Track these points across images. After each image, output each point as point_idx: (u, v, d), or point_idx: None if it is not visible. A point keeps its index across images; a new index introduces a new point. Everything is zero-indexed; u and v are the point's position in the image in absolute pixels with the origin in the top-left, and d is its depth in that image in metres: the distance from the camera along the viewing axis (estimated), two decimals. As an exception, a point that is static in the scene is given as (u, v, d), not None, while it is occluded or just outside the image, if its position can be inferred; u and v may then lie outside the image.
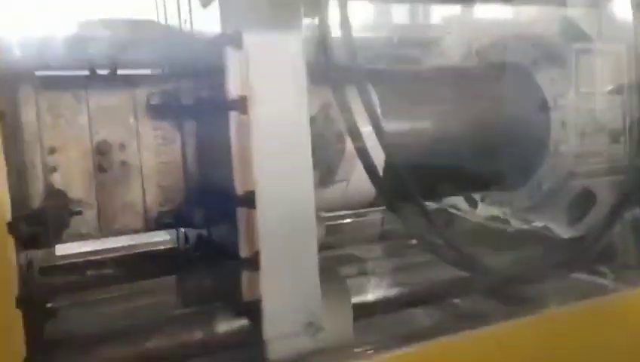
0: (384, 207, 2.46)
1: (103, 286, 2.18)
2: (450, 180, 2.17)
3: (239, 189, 1.52)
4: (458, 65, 2.61)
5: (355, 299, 1.78)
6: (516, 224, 2.49)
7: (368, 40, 2.70)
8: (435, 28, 2.93)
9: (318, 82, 1.62)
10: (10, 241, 1.30)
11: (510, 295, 2.05)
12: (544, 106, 2.26)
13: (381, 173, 1.69)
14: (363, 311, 1.83)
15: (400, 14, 3.17)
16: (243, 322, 1.67)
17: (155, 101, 1.72)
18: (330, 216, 2.54)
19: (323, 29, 1.56)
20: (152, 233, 2.11)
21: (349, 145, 1.73)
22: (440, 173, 2.09)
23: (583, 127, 2.24)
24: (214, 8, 1.62)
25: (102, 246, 2.21)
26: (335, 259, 2.51)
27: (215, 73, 1.54)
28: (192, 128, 1.79)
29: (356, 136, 1.63)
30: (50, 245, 1.71)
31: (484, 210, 2.63)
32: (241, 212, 1.53)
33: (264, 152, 1.51)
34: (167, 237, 2.33)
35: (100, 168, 1.70)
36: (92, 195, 1.70)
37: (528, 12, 2.67)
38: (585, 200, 2.25)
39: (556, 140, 2.24)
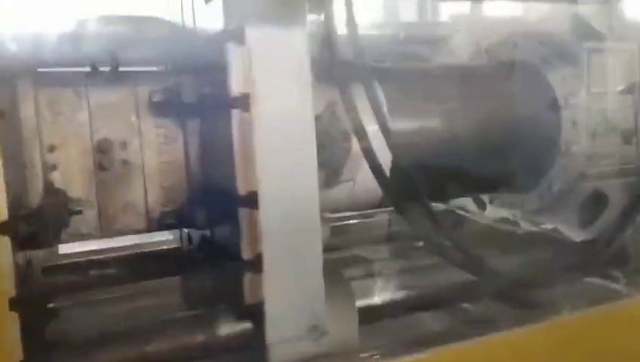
0: (391, 208, 2.42)
1: (105, 286, 2.16)
2: (458, 181, 2.12)
3: (242, 189, 1.50)
4: (467, 63, 2.57)
5: (360, 303, 1.74)
6: (526, 226, 2.45)
7: (375, 37, 2.66)
8: (444, 26, 2.89)
9: (324, 80, 1.59)
10: (5, 241, 1.27)
11: (520, 299, 2.00)
12: (555, 106, 2.21)
13: (387, 173, 1.65)
14: (369, 315, 1.79)
15: (408, 12, 3.15)
16: (245, 325, 1.64)
17: (157, 98, 1.70)
18: (335, 217, 2.51)
19: (328, 25, 1.52)
20: (156, 233, 2.09)
21: (355, 144, 1.69)
22: (448, 174, 2.05)
23: (594, 127, 2.19)
24: (217, 4, 1.59)
25: (106, 245, 2.19)
26: (340, 260, 2.47)
27: (217, 70, 1.52)
28: (195, 126, 1.77)
29: (362, 135, 1.59)
30: (49, 245, 1.68)
31: (493, 212, 2.59)
32: (243, 212, 1.50)
33: (267, 151, 1.48)
34: (171, 237, 2.30)
35: (101, 167, 1.67)
36: (92, 194, 1.68)
37: (538, 9, 2.63)
38: (596, 202, 2.21)
39: (567, 140, 2.20)
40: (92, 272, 2.12)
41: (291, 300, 1.53)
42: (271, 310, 1.50)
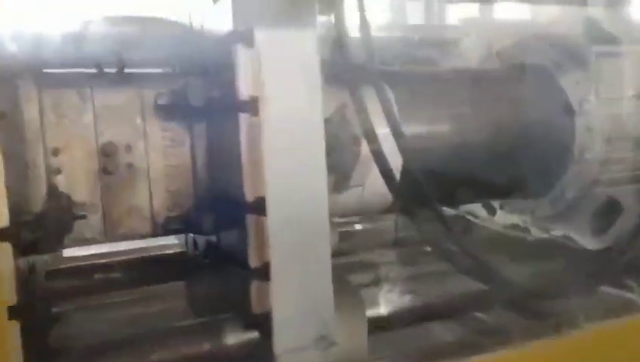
0: (398, 213, 2.38)
1: (110, 290, 2.13)
2: (469, 187, 2.08)
3: (249, 195, 1.46)
4: (479, 67, 2.53)
5: (369, 312, 1.70)
6: (536, 233, 2.40)
7: (383, 40, 2.63)
8: (453, 28, 2.86)
9: (333, 82, 1.56)
10: (6, 248, 1.23)
11: (532, 309, 1.95)
12: (569, 111, 2.16)
13: (398, 177, 1.61)
14: (378, 325, 1.75)
15: (416, 15, 3.12)
16: (252, 334, 1.60)
17: (163, 101, 1.67)
18: (341, 222, 2.47)
19: (339, 26, 1.48)
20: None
21: (365, 148, 1.65)
22: (459, 179, 2.01)
23: (609, 132, 2.14)
24: (225, 4, 1.56)
25: (111, 248, 2.16)
26: (347, 266, 2.43)
27: (225, 72, 1.49)
28: (202, 130, 1.74)
29: (373, 137, 1.55)
30: (52, 250, 1.65)
31: (503, 218, 2.55)
32: (250, 219, 1.47)
33: (276, 156, 1.45)
34: (176, 241, 2.27)
35: (106, 170, 1.64)
36: (97, 198, 1.65)
37: (548, 12, 2.60)
38: (611, 209, 2.16)
39: (581, 146, 2.15)
40: (96, 276, 2.09)
41: (299, 309, 1.49)
42: (278, 319, 1.46)
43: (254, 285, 1.49)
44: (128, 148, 1.66)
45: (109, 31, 1.69)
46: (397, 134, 1.54)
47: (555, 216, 2.29)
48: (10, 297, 1.23)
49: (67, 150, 1.61)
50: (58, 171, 1.60)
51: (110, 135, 1.64)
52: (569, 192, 2.20)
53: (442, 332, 2.00)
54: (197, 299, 1.91)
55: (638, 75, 2.22)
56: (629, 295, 2.07)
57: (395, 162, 1.60)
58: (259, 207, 1.44)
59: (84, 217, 1.63)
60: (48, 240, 1.49)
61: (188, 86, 1.67)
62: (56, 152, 1.60)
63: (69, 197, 1.61)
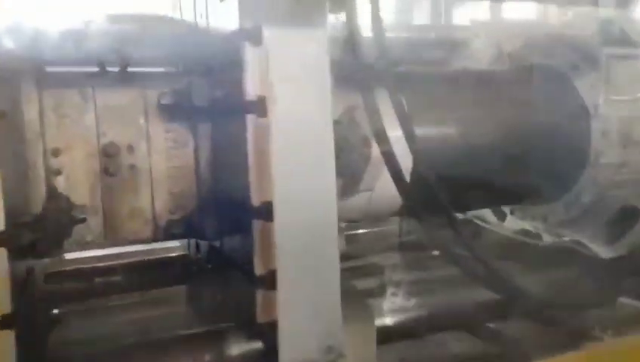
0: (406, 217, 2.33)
1: (111, 293, 2.09)
2: (481, 191, 2.02)
3: (255, 199, 1.42)
4: (491, 68, 2.47)
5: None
6: (548, 239, 2.34)
7: (392, 40, 2.57)
8: (463, 29, 2.81)
9: (343, 83, 1.50)
10: (1, 253, 1.18)
11: (546, 318, 1.90)
12: (584, 114, 2.11)
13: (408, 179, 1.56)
14: (385, 335, 1.69)
15: (426, 15, 3.09)
16: (257, 345, 1.55)
17: (166, 101, 1.64)
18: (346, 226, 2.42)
19: (351, 25, 1.43)
20: (162, 240, 2.01)
21: (375, 150, 1.60)
22: (471, 184, 1.95)
23: (625, 136, 2.09)
24: (232, 2, 1.51)
25: (111, 251, 2.12)
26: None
27: (232, 72, 1.44)
28: (207, 131, 1.71)
29: (384, 139, 1.50)
30: (51, 254, 1.61)
31: (514, 223, 2.49)
32: (257, 225, 1.42)
33: (283, 159, 1.40)
34: (178, 244, 2.23)
35: (107, 172, 1.62)
36: (97, 200, 1.63)
37: (563, 13, 2.54)
38: (627, 215, 2.10)
39: (597, 150, 2.09)
40: (97, 279, 2.05)
41: (306, 319, 1.44)
42: (285, 329, 1.41)
43: (259, 293, 1.44)
44: (130, 148, 1.64)
45: (111, 29, 1.65)
46: (409, 136, 1.49)
47: (568, 221, 2.23)
48: (4, 306, 1.18)
49: (68, 150, 1.58)
50: (58, 172, 1.58)
51: (112, 135, 1.62)
52: (585, 196, 2.14)
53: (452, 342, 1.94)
54: (199, 305, 1.86)
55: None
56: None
57: (405, 164, 1.54)
58: (265, 211, 1.39)
59: (83, 221, 1.59)
60: (47, 244, 1.44)
61: (192, 85, 1.65)
62: (56, 153, 1.57)
63: (68, 199, 1.58)
